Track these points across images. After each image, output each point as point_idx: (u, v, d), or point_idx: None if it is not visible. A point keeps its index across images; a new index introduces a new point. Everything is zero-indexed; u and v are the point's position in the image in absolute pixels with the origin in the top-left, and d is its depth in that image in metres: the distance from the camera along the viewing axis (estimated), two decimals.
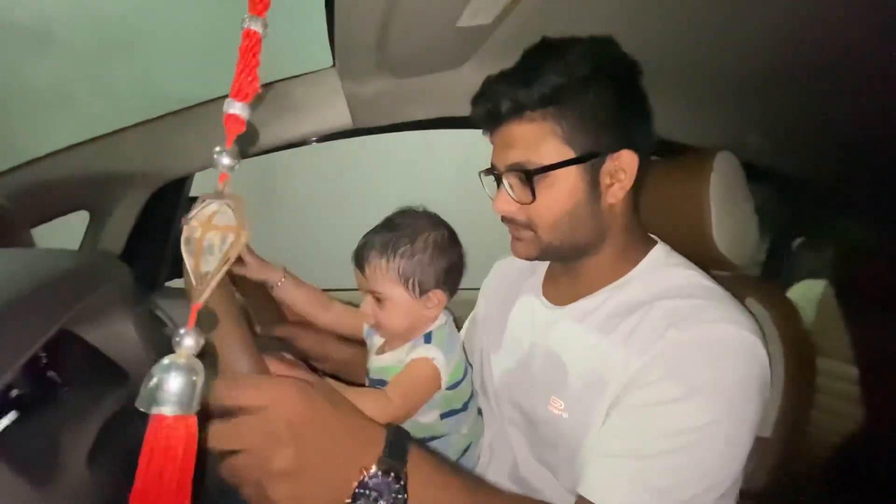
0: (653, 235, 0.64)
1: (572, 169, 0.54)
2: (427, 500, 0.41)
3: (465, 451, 0.68)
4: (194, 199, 0.83)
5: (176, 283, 0.99)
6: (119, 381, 0.65)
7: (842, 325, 1.29)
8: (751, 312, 0.55)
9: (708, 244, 0.73)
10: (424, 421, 0.64)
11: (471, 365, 0.71)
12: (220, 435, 0.36)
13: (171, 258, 0.93)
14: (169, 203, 0.89)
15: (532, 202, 0.55)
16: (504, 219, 0.60)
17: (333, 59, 0.78)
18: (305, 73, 0.81)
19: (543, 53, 0.56)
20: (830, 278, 1.35)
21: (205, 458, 0.33)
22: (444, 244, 0.65)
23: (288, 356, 0.59)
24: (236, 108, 0.22)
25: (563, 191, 0.55)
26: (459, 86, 0.86)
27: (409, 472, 0.39)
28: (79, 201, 0.83)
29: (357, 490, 0.37)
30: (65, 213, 0.82)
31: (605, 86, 0.54)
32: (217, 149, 0.23)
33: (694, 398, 0.47)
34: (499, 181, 0.58)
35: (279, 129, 0.83)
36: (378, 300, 0.62)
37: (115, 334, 0.64)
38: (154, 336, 0.72)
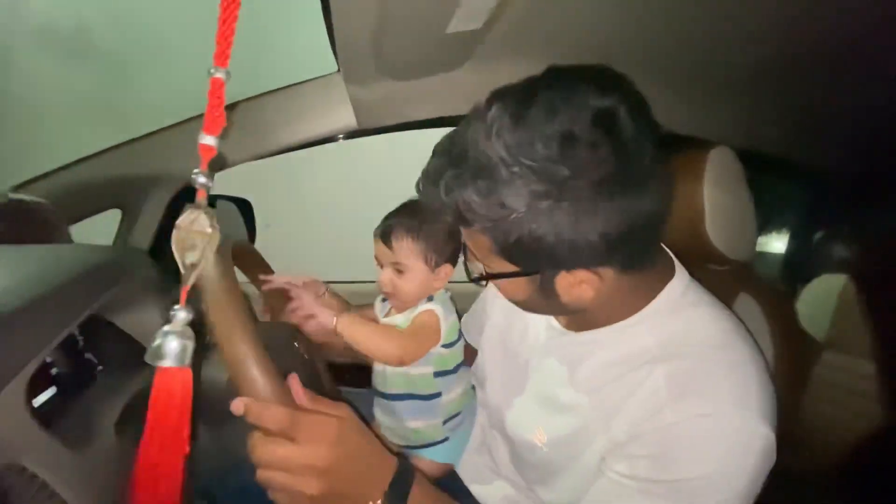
0: (670, 254, 0.58)
1: (515, 280, 0.49)
2: None
3: (454, 416, 0.75)
4: (214, 198, 0.89)
5: None
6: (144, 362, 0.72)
7: (863, 321, 1.24)
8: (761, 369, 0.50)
9: (702, 239, 0.74)
10: (419, 373, 0.72)
11: (462, 335, 0.78)
12: (266, 454, 0.44)
13: None
14: (191, 201, 0.96)
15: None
16: None
17: (337, 64, 0.83)
18: (312, 79, 0.86)
19: (481, 155, 0.43)
20: (852, 273, 1.31)
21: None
22: (455, 227, 0.73)
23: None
24: (208, 140, 0.27)
25: (511, 288, 0.51)
26: (459, 86, 0.89)
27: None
28: (112, 201, 0.91)
29: None
30: (99, 212, 0.90)
31: (566, 203, 0.41)
32: (195, 171, 0.28)
33: (681, 483, 0.46)
34: None
35: (288, 132, 0.88)
36: (399, 271, 0.72)
37: (144, 321, 0.71)
38: None
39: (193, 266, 0.30)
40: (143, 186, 0.89)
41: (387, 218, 0.74)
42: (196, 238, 0.30)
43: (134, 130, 0.91)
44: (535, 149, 0.40)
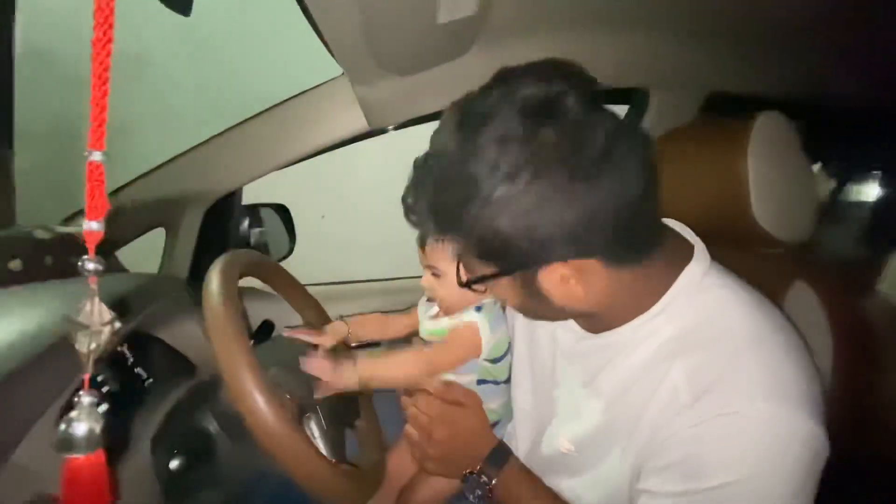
0: (688, 237, 0.54)
1: (501, 282, 0.49)
2: (510, 499, 0.61)
3: (494, 425, 0.73)
4: (250, 207, 0.92)
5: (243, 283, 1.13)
6: (189, 372, 0.78)
7: None
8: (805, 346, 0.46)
9: (749, 220, 0.66)
10: (463, 381, 0.71)
11: (511, 352, 0.75)
12: (424, 402, 0.65)
13: None
14: (223, 213, 1.01)
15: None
16: None
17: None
18: (318, 85, 0.85)
19: (436, 163, 0.46)
20: None
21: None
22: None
23: None
24: (94, 226, 0.27)
25: (503, 293, 0.51)
26: (466, 74, 0.84)
27: (499, 479, 0.61)
28: (155, 221, 0.98)
29: (466, 475, 0.63)
30: (145, 232, 0.98)
31: (524, 195, 0.41)
32: (84, 257, 0.28)
33: (715, 492, 0.42)
34: None
35: (299, 142, 0.89)
36: (435, 275, 0.70)
37: (186, 334, 0.77)
38: None
39: (92, 352, 0.29)
40: (182, 204, 0.95)
41: None
42: (99, 328, 0.29)
43: (203, 134, 0.93)
44: (480, 150, 0.42)
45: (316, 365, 0.63)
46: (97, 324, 0.28)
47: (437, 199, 0.45)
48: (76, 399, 0.31)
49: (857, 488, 0.54)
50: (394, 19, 0.60)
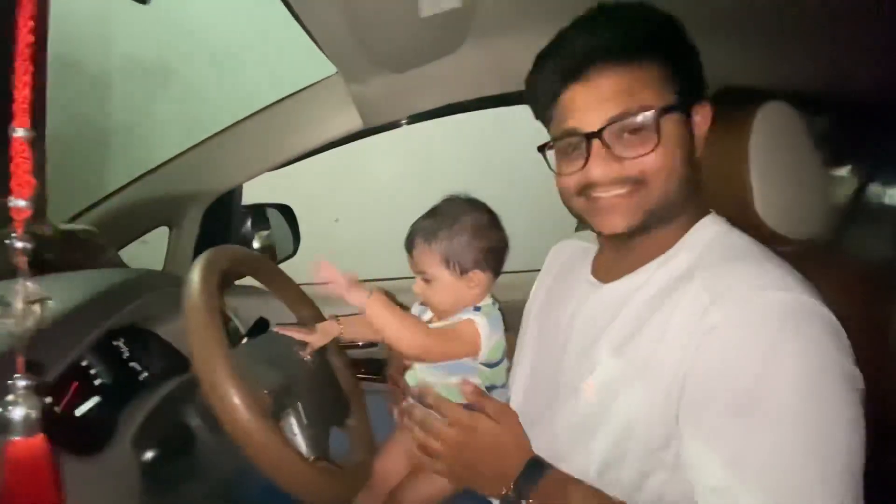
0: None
1: (674, 118, 0.53)
2: None
3: None
4: (252, 207, 0.92)
5: (242, 282, 1.14)
6: (184, 367, 0.78)
7: None
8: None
9: (752, 215, 0.62)
10: (457, 382, 0.68)
11: (509, 359, 0.73)
12: (449, 407, 0.63)
13: None
14: (224, 212, 1.02)
15: (653, 149, 0.52)
16: (591, 189, 0.55)
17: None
18: (313, 84, 0.86)
19: (609, 10, 0.55)
20: None
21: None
22: (482, 227, 0.69)
23: None
24: (21, 204, 0.26)
25: (673, 138, 0.53)
26: (461, 69, 0.83)
27: (536, 495, 0.56)
28: (158, 220, 1.00)
29: (503, 495, 0.58)
30: (150, 231, 1.00)
31: (681, 35, 0.54)
32: (13, 235, 0.27)
33: (762, 389, 0.43)
34: (583, 144, 0.54)
35: (295, 141, 0.89)
36: (426, 280, 0.69)
37: (182, 330, 0.77)
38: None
39: (24, 332, 0.29)
40: (183, 202, 0.97)
41: (410, 227, 0.71)
42: (26, 306, 0.28)
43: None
44: None
45: (330, 272, 0.63)
46: (24, 302, 0.28)
47: (649, 24, 0.53)
48: (10, 383, 0.30)
49: (866, 491, 0.50)
50: (377, 15, 0.60)
